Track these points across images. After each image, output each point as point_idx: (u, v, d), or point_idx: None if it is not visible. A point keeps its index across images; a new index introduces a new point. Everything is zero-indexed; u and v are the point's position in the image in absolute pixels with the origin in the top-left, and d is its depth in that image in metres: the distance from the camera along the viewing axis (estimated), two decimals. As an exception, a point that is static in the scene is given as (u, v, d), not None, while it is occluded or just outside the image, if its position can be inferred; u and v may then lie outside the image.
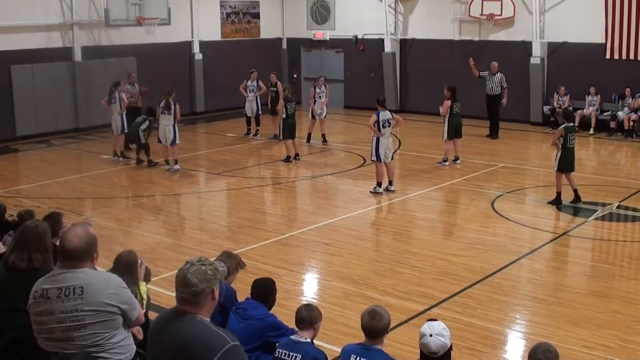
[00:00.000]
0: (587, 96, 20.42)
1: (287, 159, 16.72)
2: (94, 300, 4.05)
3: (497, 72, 19.77)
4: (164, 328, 3.77)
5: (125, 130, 16.99)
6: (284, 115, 16.69)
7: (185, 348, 3.60)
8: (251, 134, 20.17)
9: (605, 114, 20.24)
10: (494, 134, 19.91)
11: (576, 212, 12.54)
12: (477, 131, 19.71)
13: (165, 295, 8.19)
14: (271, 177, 16.02)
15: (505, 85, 19.72)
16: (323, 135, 19.26)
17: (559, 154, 12.59)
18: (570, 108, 20.30)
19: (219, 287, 3.83)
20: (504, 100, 19.64)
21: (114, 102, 16.97)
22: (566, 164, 12.62)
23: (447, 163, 16.20)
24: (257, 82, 19.98)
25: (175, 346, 3.65)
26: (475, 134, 19.38)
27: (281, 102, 16.94)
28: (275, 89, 19.39)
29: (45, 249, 5.22)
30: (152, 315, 6.65)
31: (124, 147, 17.39)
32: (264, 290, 6.05)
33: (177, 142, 16.02)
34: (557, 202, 12.79)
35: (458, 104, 16.18)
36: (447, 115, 16.03)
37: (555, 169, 12.71)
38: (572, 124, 12.82)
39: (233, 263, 6.50)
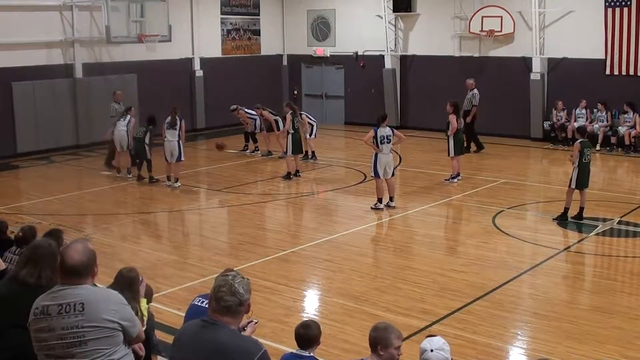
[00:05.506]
0: (596, 111, 20.37)
1: (288, 176, 16.64)
2: (95, 317, 4.03)
3: (473, 89, 19.93)
4: (196, 335, 3.91)
5: (129, 147, 16.92)
6: (291, 131, 16.62)
7: (225, 353, 3.78)
8: (248, 150, 20.19)
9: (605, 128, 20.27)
10: (478, 147, 19.95)
11: (577, 227, 12.53)
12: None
13: (166, 312, 8.17)
14: (272, 193, 16.01)
15: (475, 103, 19.79)
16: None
17: (576, 171, 12.55)
18: (567, 123, 20.52)
19: None
20: (469, 118, 19.30)
21: (123, 120, 16.90)
22: (582, 181, 12.58)
23: (455, 180, 16.04)
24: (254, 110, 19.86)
25: (214, 350, 3.81)
26: (475, 150, 19.37)
27: (289, 119, 16.52)
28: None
29: (55, 267, 5.22)
30: (157, 334, 6.65)
31: (132, 163, 17.02)
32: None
33: (182, 159, 16.02)
34: (563, 218, 12.76)
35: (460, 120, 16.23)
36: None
37: (574, 186, 12.60)
38: (586, 139, 12.88)
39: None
